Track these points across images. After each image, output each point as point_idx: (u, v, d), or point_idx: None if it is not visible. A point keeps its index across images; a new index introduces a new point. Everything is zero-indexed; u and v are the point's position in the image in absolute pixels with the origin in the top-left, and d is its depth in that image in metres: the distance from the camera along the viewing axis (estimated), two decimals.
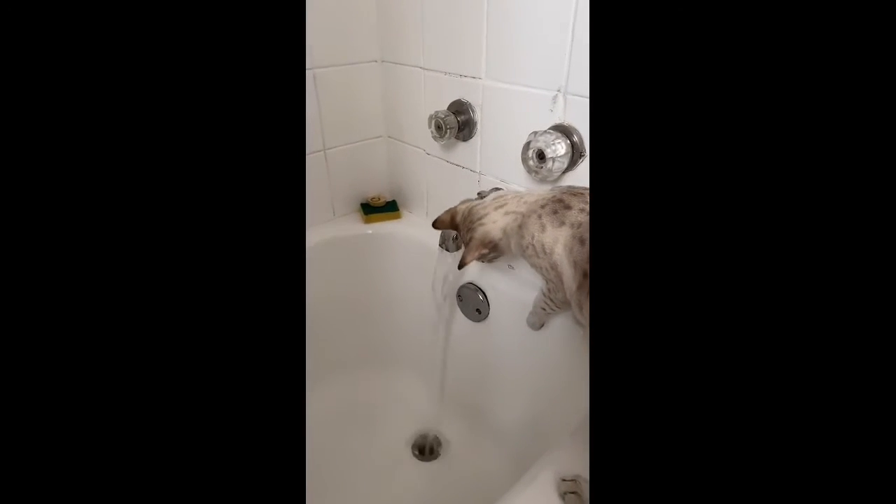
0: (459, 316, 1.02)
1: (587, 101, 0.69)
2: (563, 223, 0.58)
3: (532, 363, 0.92)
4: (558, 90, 0.72)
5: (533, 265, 0.64)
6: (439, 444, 1.09)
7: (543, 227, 0.60)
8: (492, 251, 0.70)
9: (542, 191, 0.66)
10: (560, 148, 0.70)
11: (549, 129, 0.73)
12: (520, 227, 0.64)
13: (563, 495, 0.56)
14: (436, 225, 0.77)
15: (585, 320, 0.57)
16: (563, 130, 0.72)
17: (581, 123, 0.71)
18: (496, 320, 0.96)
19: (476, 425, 1.10)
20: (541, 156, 0.72)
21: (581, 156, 0.72)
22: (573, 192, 0.61)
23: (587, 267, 0.55)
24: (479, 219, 0.69)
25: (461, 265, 0.71)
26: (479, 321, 0.99)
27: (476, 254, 0.69)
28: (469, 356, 1.06)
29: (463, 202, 0.77)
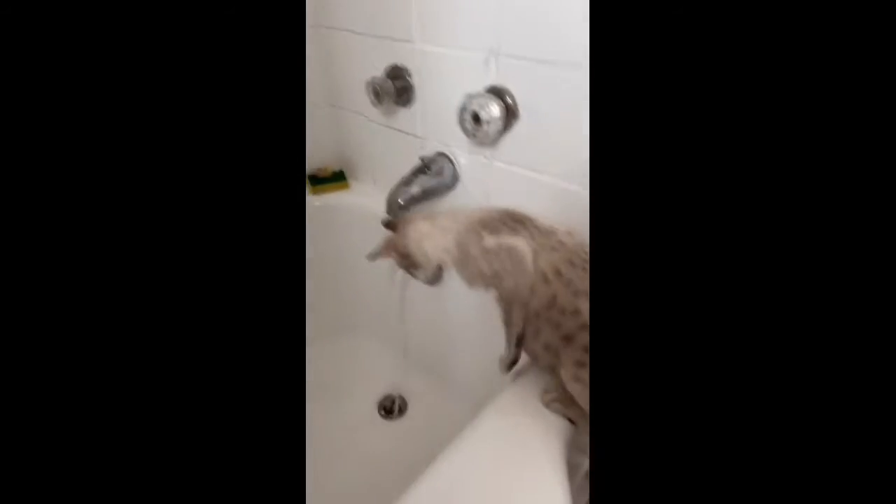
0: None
1: (520, 62, 0.69)
2: (518, 234, 0.59)
3: (487, 320, 0.95)
4: (490, 51, 0.72)
5: (485, 272, 0.61)
6: (405, 402, 1.14)
7: (499, 233, 0.60)
8: (403, 258, 0.70)
9: (469, 212, 0.64)
10: (494, 110, 0.71)
11: (484, 91, 0.74)
12: (462, 242, 0.63)
13: (547, 404, 0.62)
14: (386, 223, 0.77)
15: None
16: (497, 92, 0.73)
17: (514, 84, 0.72)
18: (450, 282, 0.98)
19: (439, 382, 1.15)
20: (476, 118, 0.73)
21: (515, 117, 0.73)
22: (515, 217, 0.60)
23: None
24: (406, 225, 0.69)
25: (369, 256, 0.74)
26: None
27: (385, 254, 0.73)
28: (427, 318, 1.09)
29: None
